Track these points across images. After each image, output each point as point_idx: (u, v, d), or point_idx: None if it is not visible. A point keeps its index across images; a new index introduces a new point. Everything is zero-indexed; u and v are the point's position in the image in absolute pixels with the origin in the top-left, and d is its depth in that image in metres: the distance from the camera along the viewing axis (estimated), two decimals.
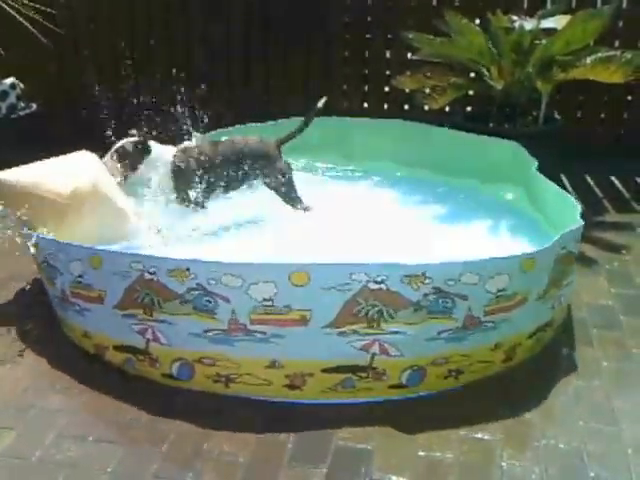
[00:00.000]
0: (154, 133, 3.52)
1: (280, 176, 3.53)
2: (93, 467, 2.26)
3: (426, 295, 2.44)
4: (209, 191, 3.49)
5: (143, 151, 3.41)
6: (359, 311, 2.44)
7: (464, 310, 2.50)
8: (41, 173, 3.13)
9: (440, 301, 2.46)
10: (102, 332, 2.75)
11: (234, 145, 3.56)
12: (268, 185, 3.55)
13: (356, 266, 2.42)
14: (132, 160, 3.41)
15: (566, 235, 2.69)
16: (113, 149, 3.42)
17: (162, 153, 3.46)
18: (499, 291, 2.52)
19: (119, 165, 3.40)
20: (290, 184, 3.56)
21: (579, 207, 2.95)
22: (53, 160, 3.25)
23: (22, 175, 3.10)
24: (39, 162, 3.20)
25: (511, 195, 3.83)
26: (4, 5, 4.21)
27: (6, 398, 2.59)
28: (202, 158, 3.47)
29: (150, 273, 2.52)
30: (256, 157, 3.53)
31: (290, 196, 3.56)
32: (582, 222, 2.80)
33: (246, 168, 3.50)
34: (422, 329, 2.49)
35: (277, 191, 3.55)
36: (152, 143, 3.44)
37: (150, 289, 2.54)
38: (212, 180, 3.47)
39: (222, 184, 3.52)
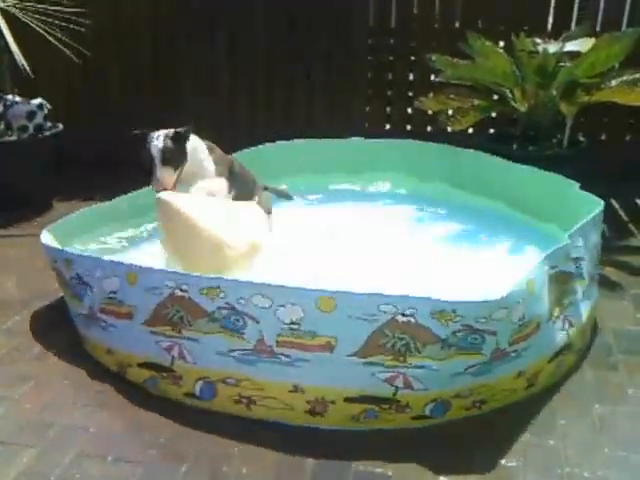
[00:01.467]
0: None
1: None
2: None
3: (455, 332, 2.39)
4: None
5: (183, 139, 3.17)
6: (385, 343, 2.40)
7: (493, 345, 2.46)
8: (215, 215, 3.14)
9: (469, 338, 2.42)
10: (127, 349, 2.76)
11: (241, 165, 3.58)
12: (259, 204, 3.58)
13: (385, 297, 2.39)
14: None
15: (552, 255, 2.66)
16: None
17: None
18: (520, 319, 2.49)
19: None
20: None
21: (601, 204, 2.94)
22: (219, 201, 3.29)
23: (198, 213, 3.07)
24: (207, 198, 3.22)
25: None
26: (35, 26, 4.30)
27: (27, 416, 2.60)
28: (230, 161, 3.48)
29: (182, 290, 2.55)
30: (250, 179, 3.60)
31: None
32: (568, 241, 2.76)
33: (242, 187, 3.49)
34: (449, 365, 2.44)
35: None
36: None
37: (181, 306, 2.56)
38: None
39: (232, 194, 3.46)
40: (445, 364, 2.43)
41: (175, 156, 3.11)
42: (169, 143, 3.09)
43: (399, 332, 2.39)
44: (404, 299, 2.38)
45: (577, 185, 3.48)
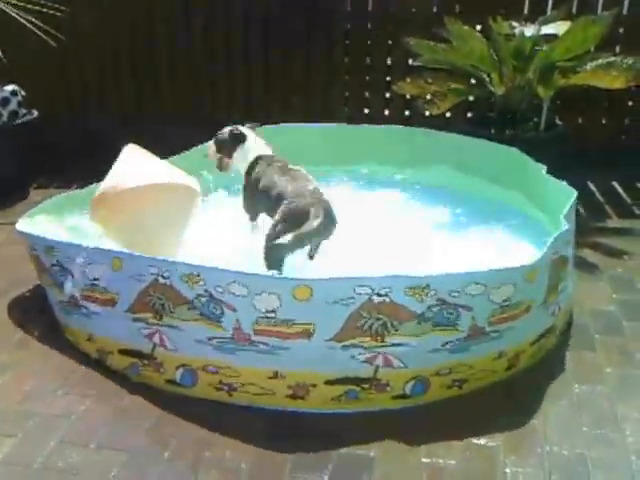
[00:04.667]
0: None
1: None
2: (95, 474, 2.25)
3: (430, 307, 2.43)
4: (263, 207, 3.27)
5: (238, 139, 3.40)
6: (363, 324, 2.43)
7: (469, 321, 2.49)
8: (154, 171, 3.23)
9: (444, 312, 2.45)
10: (108, 336, 2.75)
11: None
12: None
13: (359, 279, 2.41)
14: (228, 148, 3.42)
15: (557, 239, 2.69)
16: (215, 136, 3.48)
17: (256, 145, 3.43)
18: (504, 301, 2.52)
19: (216, 151, 3.46)
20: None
21: (574, 193, 2.96)
22: (129, 160, 3.28)
23: (135, 177, 3.14)
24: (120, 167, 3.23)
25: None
26: (7, 10, 4.22)
27: (8, 404, 2.58)
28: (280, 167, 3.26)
29: (164, 277, 2.54)
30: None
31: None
32: (567, 225, 2.79)
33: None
34: (426, 341, 2.48)
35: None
36: (249, 132, 3.44)
37: (163, 293, 2.55)
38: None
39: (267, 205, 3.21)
40: (422, 340, 2.46)
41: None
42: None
43: (375, 312, 2.41)
44: (377, 279, 2.40)
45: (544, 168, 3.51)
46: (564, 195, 3.09)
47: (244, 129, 3.47)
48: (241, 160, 3.41)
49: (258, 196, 3.27)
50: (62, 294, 2.88)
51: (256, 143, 3.44)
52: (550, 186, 3.35)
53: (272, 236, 2.89)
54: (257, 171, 3.31)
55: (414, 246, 3.21)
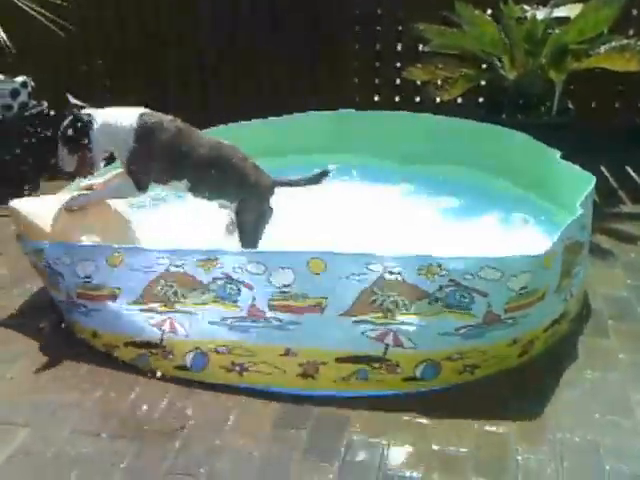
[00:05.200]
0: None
1: (255, 216, 3.08)
2: (107, 463, 2.26)
3: (442, 287, 2.45)
4: (162, 177, 3.04)
5: (85, 126, 2.93)
6: (374, 301, 2.46)
7: (484, 306, 2.48)
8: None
9: (457, 295, 2.46)
10: (112, 330, 2.75)
11: (218, 145, 3.08)
12: (236, 215, 3.10)
13: (372, 256, 2.47)
14: (81, 143, 2.95)
15: (571, 225, 2.68)
16: (58, 139, 2.98)
17: (117, 119, 2.96)
18: (522, 289, 2.50)
19: (70, 154, 2.99)
20: (256, 231, 3.07)
21: (593, 180, 2.93)
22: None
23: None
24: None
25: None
26: (17, 1, 4.22)
27: (20, 395, 2.60)
28: (174, 133, 2.99)
29: (176, 266, 2.60)
30: (237, 174, 3.05)
31: (246, 239, 3.05)
32: (582, 210, 2.76)
33: (215, 177, 3.02)
34: (437, 321, 2.48)
35: (241, 226, 3.08)
36: (95, 113, 2.96)
37: (175, 281, 2.61)
38: (172, 165, 3.00)
39: (183, 177, 3.02)
40: (433, 320, 2.47)
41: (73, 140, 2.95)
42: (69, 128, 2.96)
43: (387, 290, 2.45)
44: (390, 257, 2.46)
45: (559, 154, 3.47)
46: (582, 181, 3.06)
47: (82, 110, 2.97)
48: (109, 140, 2.95)
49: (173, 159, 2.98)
50: (59, 294, 2.90)
51: (113, 113, 2.97)
52: (567, 172, 3.31)
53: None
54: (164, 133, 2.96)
55: (427, 232, 3.21)
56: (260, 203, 3.11)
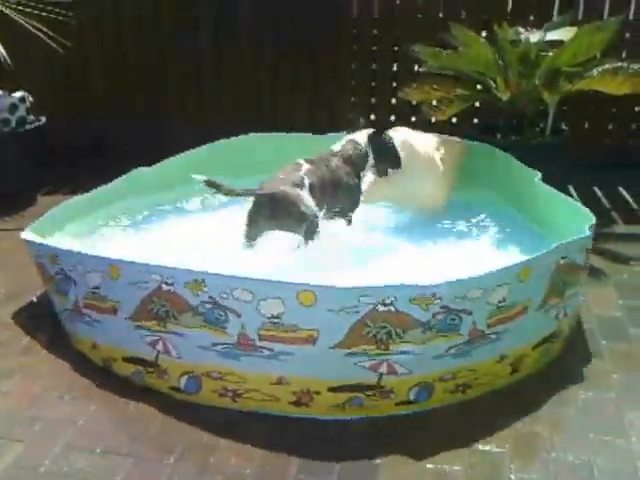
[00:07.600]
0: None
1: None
2: (101, 479, 2.25)
3: (435, 315, 2.43)
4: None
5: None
6: (367, 333, 2.42)
7: (469, 324, 2.49)
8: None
9: (448, 319, 2.45)
10: (112, 344, 2.75)
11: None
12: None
13: (364, 289, 2.40)
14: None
15: (566, 245, 2.68)
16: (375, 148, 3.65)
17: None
18: (500, 302, 2.52)
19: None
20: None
21: (592, 218, 2.92)
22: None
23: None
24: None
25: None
26: (16, 17, 4.25)
27: (14, 409, 2.60)
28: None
29: (167, 284, 2.53)
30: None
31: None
32: (587, 233, 2.79)
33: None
34: (430, 347, 2.47)
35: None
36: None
37: (167, 300, 2.55)
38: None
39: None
40: (427, 347, 2.46)
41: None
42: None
43: (380, 321, 2.41)
44: (382, 289, 2.40)
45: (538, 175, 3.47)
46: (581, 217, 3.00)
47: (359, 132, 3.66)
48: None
49: None
50: (67, 302, 2.89)
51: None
52: (567, 209, 3.25)
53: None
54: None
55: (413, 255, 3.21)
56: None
